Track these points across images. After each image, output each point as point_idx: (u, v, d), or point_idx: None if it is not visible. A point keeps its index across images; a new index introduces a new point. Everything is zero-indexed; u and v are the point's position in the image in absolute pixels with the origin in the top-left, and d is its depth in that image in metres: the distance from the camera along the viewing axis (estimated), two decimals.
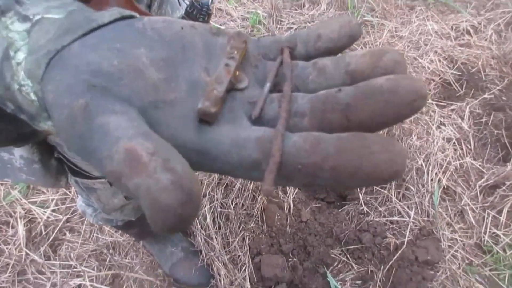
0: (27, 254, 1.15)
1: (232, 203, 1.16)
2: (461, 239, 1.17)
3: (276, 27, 1.74)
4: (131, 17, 0.25)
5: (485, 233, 1.17)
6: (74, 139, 0.20)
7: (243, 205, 1.17)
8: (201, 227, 1.13)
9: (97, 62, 0.22)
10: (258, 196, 1.17)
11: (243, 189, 1.19)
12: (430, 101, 1.51)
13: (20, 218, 1.20)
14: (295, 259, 1.12)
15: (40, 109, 0.23)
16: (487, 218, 1.20)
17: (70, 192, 1.25)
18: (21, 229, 1.18)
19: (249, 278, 1.07)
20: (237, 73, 0.25)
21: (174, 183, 0.17)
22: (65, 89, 0.21)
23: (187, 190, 0.17)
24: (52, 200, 1.24)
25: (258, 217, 1.16)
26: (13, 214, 1.21)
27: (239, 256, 1.10)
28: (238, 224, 1.14)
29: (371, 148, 0.19)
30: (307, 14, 1.78)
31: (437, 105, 1.49)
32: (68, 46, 0.22)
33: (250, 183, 1.18)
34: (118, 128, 0.19)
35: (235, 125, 0.23)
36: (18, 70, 0.23)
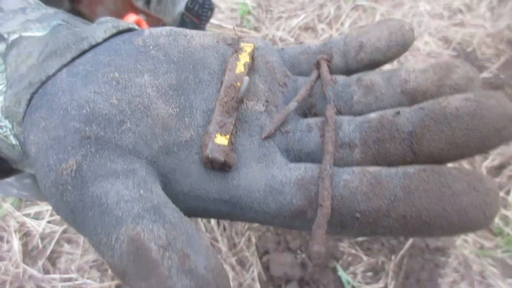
0: (24, 269, 1.10)
1: None
2: None
3: (266, 16, 1.69)
4: (129, 30, 0.20)
5: None
6: (64, 211, 0.16)
7: None
8: (206, 230, 1.10)
9: (91, 102, 0.17)
10: None
11: None
12: None
13: (15, 232, 1.15)
14: (303, 256, 1.09)
15: (23, 155, 0.19)
16: None
17: None
18: (16, 243, 1.13)
19: (258, 279, 1.04)
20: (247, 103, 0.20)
21: None
22: (51, 144, 0.16)
23: None
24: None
25: None
26: (6, 228, 1.16)
27: (246, 256, 1.06)
28: (243, 224, 1.10)
29: (453, 188, 0.15)
30: (297, 1, 1.73)
31: None
32: (54, 75, 0.18)
33: None
34: (119, 201, 0.14)
35: (268, 164, 0.19)
36: None
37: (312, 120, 0.20)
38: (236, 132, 0.19)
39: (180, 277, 0.13)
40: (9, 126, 0.18)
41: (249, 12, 1.71)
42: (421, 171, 0.16)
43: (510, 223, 1.13)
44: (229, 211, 0.18)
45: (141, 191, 0.15)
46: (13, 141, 0.18)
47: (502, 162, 1.21)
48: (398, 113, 0.18)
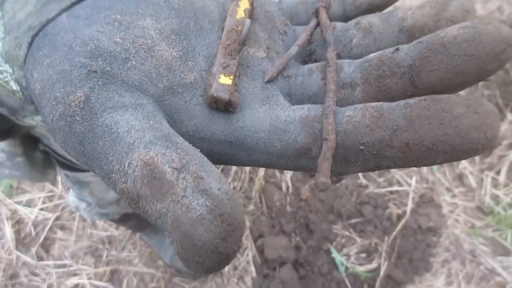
0: (18, 256, 1.10)
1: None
2: (462, 202, 1.17)
3: None
4: None
5: (485, 195, 1.17)
6: (73, 144, 0.15)
7: (241, 187, 1.13)
8: None
9: (95, 39, 0.17)
10: (256, 177, 1.14)
11: (240, 171, 1.15)
12: None
13: (7, 219, 1.14)
14: (298, 238, 1.10)
15: (24, 102, 0.19)
16: (486, 179, 1.19)
17: (57, 188, 1.19)
18: (8, 231, 1.12)
19: (253, 262, 1.05)
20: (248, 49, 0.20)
21: (212, 211, 0.13)
22: (57, 78, 0.16)
23: (229, 219, 0.13)
24: (39, 198, 1.18)
25: (257, 199, 1.13)
26: None
27: None
28: None
29: (454, 112, 0.15)
30: None
31: None
32: (54, 19, 0.18)
33: None
34: (130, 130, 0.15)
35: (271, 106, 0.19)
36: None
37: (313, 65, 0.21)
38: (239, 76, 0.19)
39: (196, 196, 0.13)
40: (10, 70, 0.18)
41: None
42: (421, 100, 0.16)
43: (501, 202, 1.15)
44: (234, 153, 0.18)
45: (151, 122, 0.15)
46: (14, 86, 0.18)
47: None
48: (397, 49, 0.18)
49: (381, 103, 0.17)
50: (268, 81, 0.20)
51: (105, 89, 0.16)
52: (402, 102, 0.17)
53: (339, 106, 0.18)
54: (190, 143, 0.17)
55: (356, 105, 0.18)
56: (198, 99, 0.18)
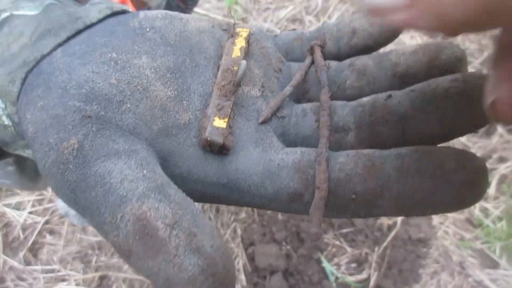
0: (5, 260, 1.08)
1: None
2: (452, 214, 1.18)
3: (254, 7, 1.68)
4: (123, 12, 0.20)
5: (474, 207, 1.18)
6: (65, 191, 0.15)
7: None
8: None
9: (90, 81, 0.16)
10: None
11: None
12: None
13: None
14: (288, 247, 1.10)
15: (16, 136, 0.18)
16: None
17: (47, 191, 1.18)
18: None
19: (244, 270, 1.05)
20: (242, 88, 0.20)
21: (204, 271, 0.13)
22: (51, 122, 0.16)
23: (221, 278, 0.13)
24: (28, 201, 1.16)
25: None
26: None
27: (232, 248, 1.07)
28: (229, 215, 1.10)
29: (444, 167, 0.15)
30: None
31: None
32: (49, 54, 0.17)
33: None
34: (123, 180, 0.14)
35: (265, 148, 0.19)
36: None
37: (307, 105, 0.21)
38: (233, 117, 0.19)
39: (188, 255, 0.13)
40: (2, 105, 0.18)
41: (236, 2, 1.69)
42: (413, 152, 0.16)
43: (490, 215, 1.16)
44: (227, 195, 0.18)
45: (144, 171, 0.15)
46: (6, 121, 0.18)
47: (483, 155, 1.24)
48: (390, 96, 0.18)
49: (373, 150, 0.17)
50: (262, 123, 0.20)
51: (99, 135, 0.16)
52: (394, 151, 0.17)
53: (333, 149, 0.18)
54: (183, 185, 0.16)
55: (348, 152, 0.18)
56: (192, 140, 0.18)
